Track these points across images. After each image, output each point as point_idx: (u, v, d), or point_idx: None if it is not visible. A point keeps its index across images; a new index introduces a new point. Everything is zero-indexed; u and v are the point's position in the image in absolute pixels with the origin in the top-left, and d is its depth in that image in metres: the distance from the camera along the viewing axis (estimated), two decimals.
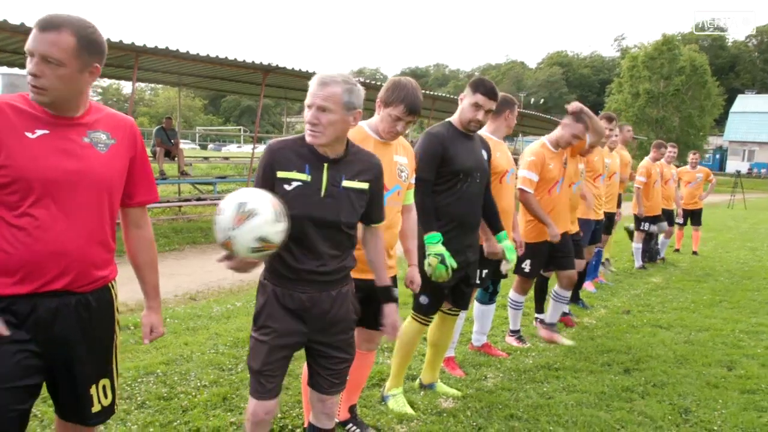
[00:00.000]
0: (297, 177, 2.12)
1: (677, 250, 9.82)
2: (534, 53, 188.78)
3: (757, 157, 47.98)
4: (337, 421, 3.10)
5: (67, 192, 1.76)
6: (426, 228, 3.04)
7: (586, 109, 4.47)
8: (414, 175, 2.93)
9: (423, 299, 3.26)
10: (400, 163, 2.78)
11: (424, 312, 3.32)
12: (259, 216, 1.85)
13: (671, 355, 4.47)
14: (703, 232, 12.03)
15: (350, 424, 3.05)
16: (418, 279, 2.90)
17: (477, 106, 3.21)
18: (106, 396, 1.96)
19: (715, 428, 3.29)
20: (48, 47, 1.67)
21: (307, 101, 2.10)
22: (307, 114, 2.09)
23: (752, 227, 14.87)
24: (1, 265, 1.72)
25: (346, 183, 2.16)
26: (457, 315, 3.61)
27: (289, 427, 3.09)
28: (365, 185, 2.20)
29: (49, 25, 1.68)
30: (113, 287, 1.98)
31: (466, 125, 3.26)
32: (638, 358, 4.36)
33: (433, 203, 3.13)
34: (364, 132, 2.75)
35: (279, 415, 3.18)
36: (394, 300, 2.39)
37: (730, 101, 50.46)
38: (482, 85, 3.25)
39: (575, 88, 74.50)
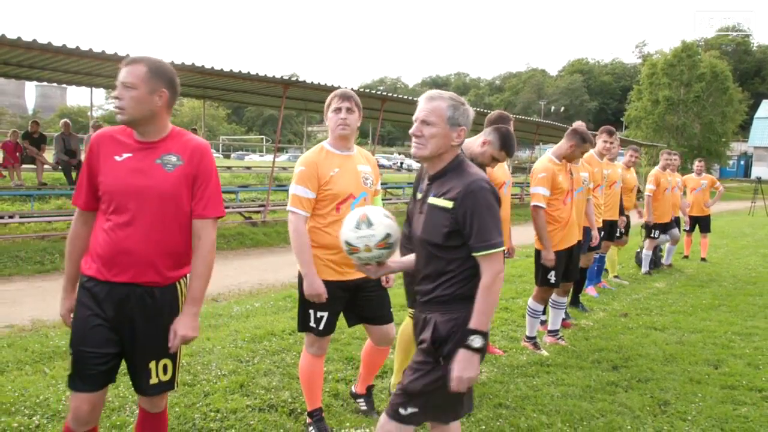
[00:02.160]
0: (417, 195, 2.33)
1: (686, 257, 9.97)
2: (555, 61, 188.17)
3: None
4: (353, 390, 3.55)
5: (136, 203, 2.19)
6: None
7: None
8: (378, 183, 3.27)
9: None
10: (363, 172, 3.13)
11: None
12: (344, 224, 2.31)
13: (660, 353, 4.73)
14: (718, 239, 12.12)
15: (361, 399, 3.49)
16: (392, 277, 3.25)
17: (497, 160, 3.57)
18: (165, 373, 2.33)
19: (689, 418, 3.56)
20: (125, 75, 2.17)
21: (414, 115, 2.20)
22: (413, 127, 2.18)
23: None
24: (92, 255, 2.25)
25: (431, 199, 2.18)
26: None
27: (298, 410, 3.46)
28: (449, 204, 2.11)
29: (128, 61, 2.20)
30: (181, 284, 2.33)
31: (474, 161, 3.53)
32: (628, 356, 4.63)
33: None
34: (324, 149, 3.10)
35: (289, 400, 3.56)
36: (470, 347, 2.07)
37: (755, 107, 49.71)
38: (510, 146, 3.57)
39: (596, 95, 73.98)
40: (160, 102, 2.20)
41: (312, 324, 3.09)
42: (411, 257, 2.39)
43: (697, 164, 9.82)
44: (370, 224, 2.22)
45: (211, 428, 3.20)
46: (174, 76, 2.26)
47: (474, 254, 2.07)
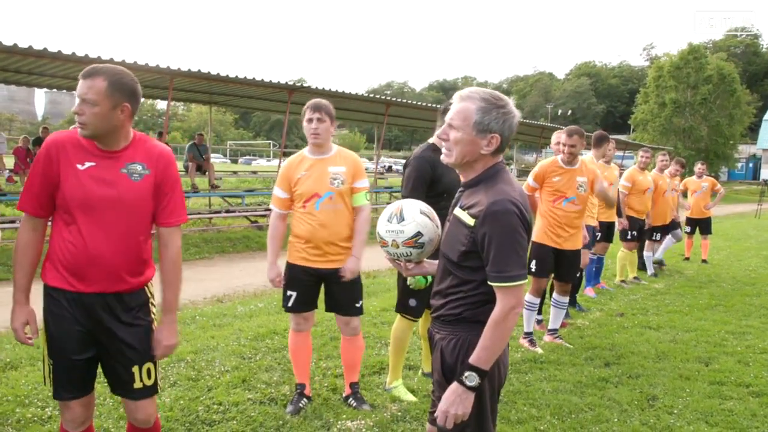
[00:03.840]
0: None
1: (687, 259, 10.01)
2: (562, 64, 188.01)
3: None
4: (343, 395, 3.70)
5: (102, 213, 2.17)
6: None
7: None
8: (358, 180, 3.47)
9: (412, 302, 3.68)
10: (333, 173, 3.41)
11: (413, 313, 3.74)
12: (381, 214, 2.20)
13: (653, 351, 4.84)
14: (721, 241, 12.13)
15: (350, 398, 3.63)
16: (351, 267, 3.41)
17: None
18: (149, 377, 2.32)
19: (675, 412, 3.68)
20: (86, 90, 2.10)
21: None
22: (441, 129, 1.99)
23: None
24: (57, 267, 2.20)
25: (457, 210, 1.97)
26: None
27: (280, 399, 3.60)
28: (471, 220, 1.87)
29: (86, 74, 2.13)
30: (148, 288, 2.36)
31: None
32: (620, 354, 4.74)
33: None
34: (302, 155, 3.48)
35: (289, 394, 3.70)
36: (463, 384, 1.86)
37: (764, 108, 49.45)
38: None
39: (604, 98, 73.83)
40: (123, 116, 2.16)
41: (284, 302, 3.54)
42: None
43: (698, 167, 9.90)
44: (401, 219, 2.11)
45: (214, 420, 3.35)
46: (135, 86, 2.20)
47: (489, 283, 1.85)
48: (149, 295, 2.37)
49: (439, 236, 2.15)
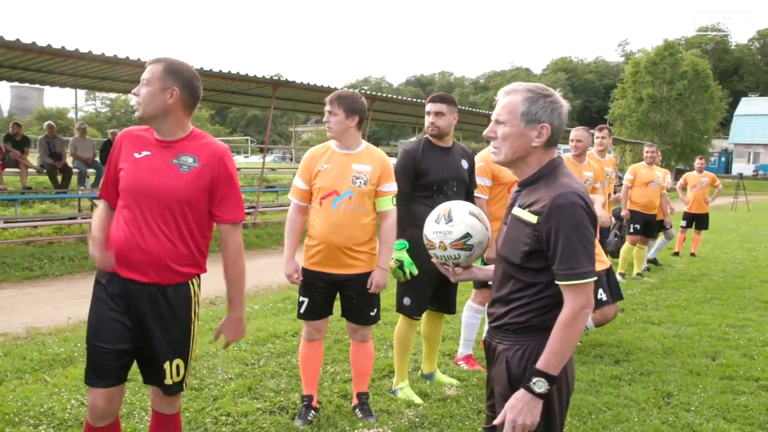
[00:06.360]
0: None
1: (676, 254, 10.08)
2: (538, 59, 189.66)
3: (762, 159, 48.05)
4: (354, 403, 3.54)
5: (149, 200, 2.23)
6: (396, 235, 3.38)
7: None
8: (385, 182, 3.28)
9: (406, 300, 3.60)
10: (357, 171, 3.20)
11: (407, 312, 3.63)
12: (429, 216, 2.12)
13: (659, 347, 4.82)
14: (704, 234, 12.28)
15: (357, 409, 3.47)
16: (377, 280, 3.23)
17: (428, 113, 3.61)
18: (178, 374, 2.35)
19: (693, 409, 3.64)
20: (145, 72, 2.25)
21: None
22: (487, 129, 1.92)
23: (752, 229, 15.13)
24: (109, 251, 2.27)
25: (516, 210, 1.86)
26: (444, 313, 3.93)
27: (290, 408, 3.45)
28: (533, 218, 1.77)
29: (152, 60, 2.29)
30: (193, 284, 2.35)
31: (429, 133, 3.62)
32: (628, 350, 4.72)
33: (407, 212, 3.42)
34: (328, 146, 3.28)
35: (299, 402, 3.55)
36: (530, 390, 1.73)
37: (734, 104, 50.69)
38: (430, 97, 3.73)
39: (580, 93, 74.68)
40: (171, 100, 2.22)
41: (297, 308, 3.36)
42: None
43: (698, 161, 9.97)
44: (449, 220, 2.03)
45: None
46: (191, 77, 2.29)
47: (557, 282, 1.75)
48: (193, 292, 2.36)
49: (488, 239, 2.06)
